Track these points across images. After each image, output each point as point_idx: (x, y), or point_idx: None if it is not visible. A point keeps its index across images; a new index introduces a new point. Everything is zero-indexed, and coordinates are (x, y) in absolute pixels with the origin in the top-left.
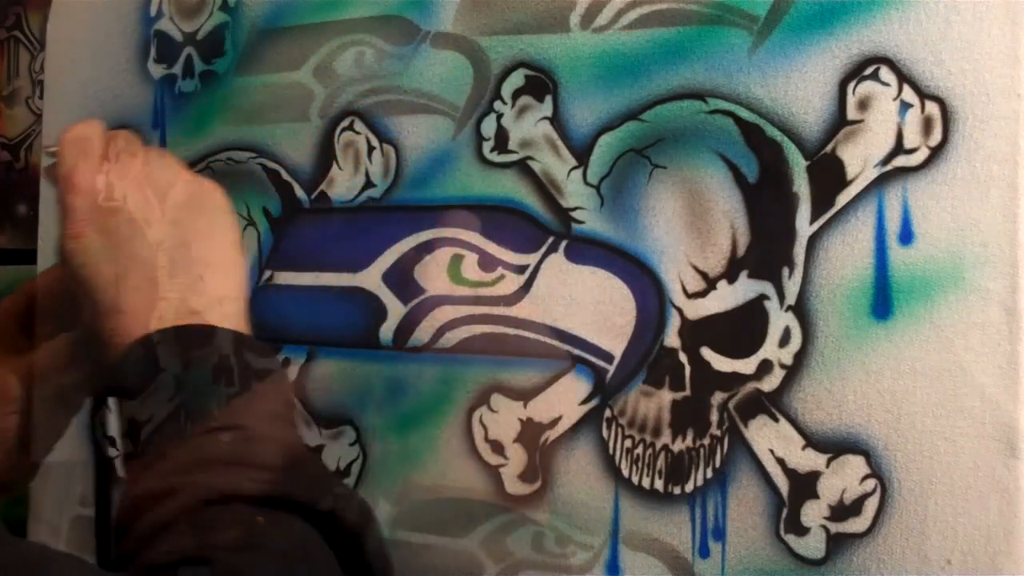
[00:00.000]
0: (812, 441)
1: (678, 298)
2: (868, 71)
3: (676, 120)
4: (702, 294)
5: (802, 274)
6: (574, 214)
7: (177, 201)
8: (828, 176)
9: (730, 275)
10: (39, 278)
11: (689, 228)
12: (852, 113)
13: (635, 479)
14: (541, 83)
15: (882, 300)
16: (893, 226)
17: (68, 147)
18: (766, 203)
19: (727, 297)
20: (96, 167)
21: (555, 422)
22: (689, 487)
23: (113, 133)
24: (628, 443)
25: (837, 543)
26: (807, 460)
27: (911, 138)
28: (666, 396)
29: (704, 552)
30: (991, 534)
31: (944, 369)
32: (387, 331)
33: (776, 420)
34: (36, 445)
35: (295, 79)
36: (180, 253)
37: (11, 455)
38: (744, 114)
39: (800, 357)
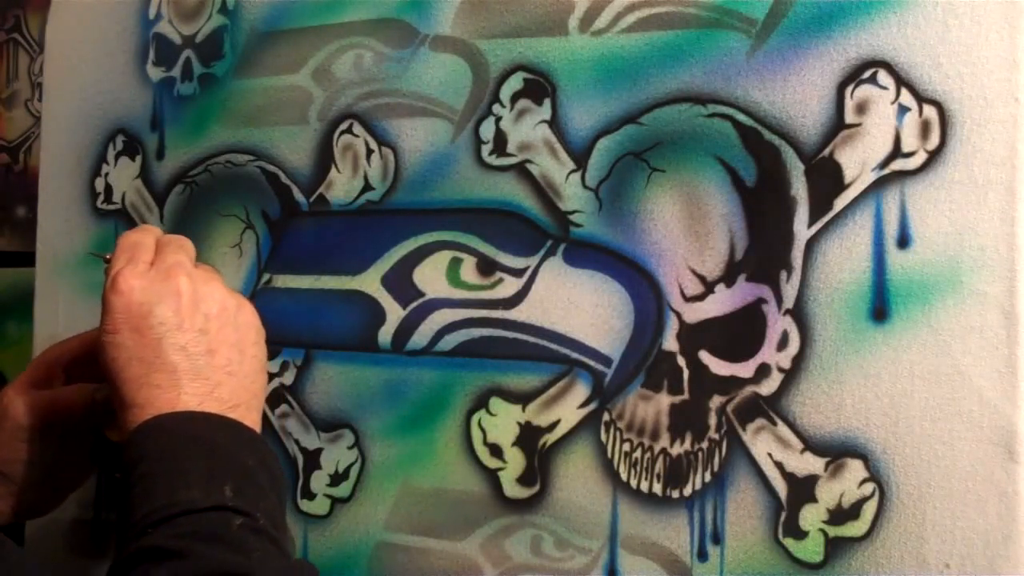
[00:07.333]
0: (810, 445)
1: (676, 302)
2: (866, 75)
3: (674, 124)
4: (700, 298)
5: (800, 278)
6: (572, 217)
7: (209, 312)
8: (826, 180)
9: (728, 279)
10: (94, 332)
11: (687, 232)
12: (850, 117)
13: (633, 483)
14: (540, 86)
15: (880, 304)
16: (891, 230)
17: (121, 251)
18: (764, 207)
19: (725, 301)
20: (141, 273)
21: (553, 425)
22: (687, 491)
23: (168, 238)
24: (626, 447)
25: (835, 547)
26: (805, 464)
27: (909, 142)
28: (664, 400)
29: (702, 556)
30: (989, 538)
31: (942, 373)
32: (386, 334)
33: (774, 424)
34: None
35: (294, 82)
36: (204, 360)
37: (38, 485)
38: (742, 118)
39: (798, 361)
